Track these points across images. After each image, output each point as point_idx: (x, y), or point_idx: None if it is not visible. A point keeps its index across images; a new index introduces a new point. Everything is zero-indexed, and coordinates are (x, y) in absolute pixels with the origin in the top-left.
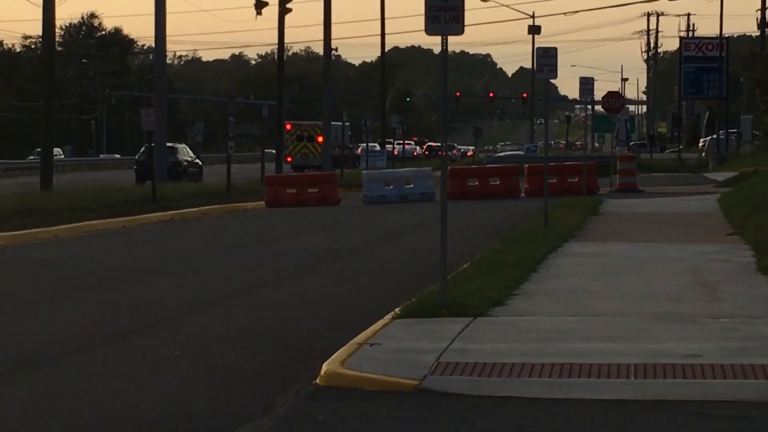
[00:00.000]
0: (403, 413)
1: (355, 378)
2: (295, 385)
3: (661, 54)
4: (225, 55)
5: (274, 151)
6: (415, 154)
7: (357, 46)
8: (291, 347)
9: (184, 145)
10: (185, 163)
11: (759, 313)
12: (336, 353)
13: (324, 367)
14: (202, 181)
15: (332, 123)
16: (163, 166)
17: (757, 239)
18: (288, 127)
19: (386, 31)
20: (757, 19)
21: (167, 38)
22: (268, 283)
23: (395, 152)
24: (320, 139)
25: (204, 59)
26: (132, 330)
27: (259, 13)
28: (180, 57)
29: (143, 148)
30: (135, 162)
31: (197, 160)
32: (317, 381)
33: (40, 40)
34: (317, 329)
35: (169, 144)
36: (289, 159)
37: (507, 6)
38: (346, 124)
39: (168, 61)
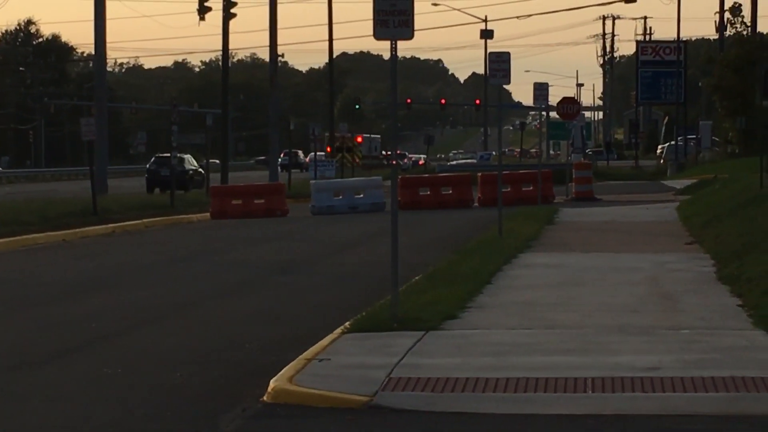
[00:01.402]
0: (354, 430)
1: (303, 395)
2: (242, 403)
3: (618, 58)
4: (168, 62)
5: (218, 161)
6: None
7: (304, 52)
8: (237, 364)
9: (189, 155)
10: (191, 171)
11: (719, 324)
12: (284, 369)
13: (271, 384)
14: (204, 189)
15: (366, 135)
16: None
17: (717, 248)
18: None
19: (334, 37)
20: (715, 22)
21: (107, 45)
22: (213, 298)
23: None
24: (359, 139)
25: (146, 67)
26: (72, 347)
27: (202, 18)
28: (121, 64)
29: (153, 158)
30: (146, 171)
31: (201, 169)
32: (265, 398)
33: None
34: (264, 345)
35: (177, 154)
36: None
37: (458, 10)
38: (376, 136)
39: (108, 69)
